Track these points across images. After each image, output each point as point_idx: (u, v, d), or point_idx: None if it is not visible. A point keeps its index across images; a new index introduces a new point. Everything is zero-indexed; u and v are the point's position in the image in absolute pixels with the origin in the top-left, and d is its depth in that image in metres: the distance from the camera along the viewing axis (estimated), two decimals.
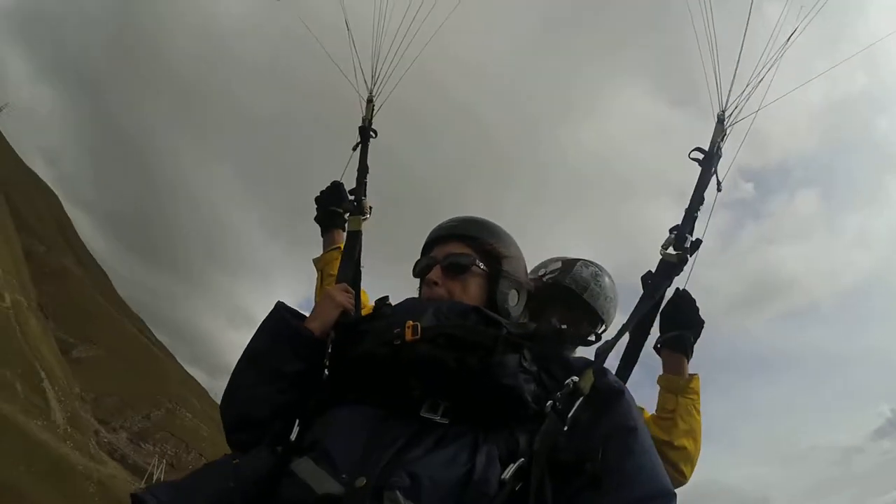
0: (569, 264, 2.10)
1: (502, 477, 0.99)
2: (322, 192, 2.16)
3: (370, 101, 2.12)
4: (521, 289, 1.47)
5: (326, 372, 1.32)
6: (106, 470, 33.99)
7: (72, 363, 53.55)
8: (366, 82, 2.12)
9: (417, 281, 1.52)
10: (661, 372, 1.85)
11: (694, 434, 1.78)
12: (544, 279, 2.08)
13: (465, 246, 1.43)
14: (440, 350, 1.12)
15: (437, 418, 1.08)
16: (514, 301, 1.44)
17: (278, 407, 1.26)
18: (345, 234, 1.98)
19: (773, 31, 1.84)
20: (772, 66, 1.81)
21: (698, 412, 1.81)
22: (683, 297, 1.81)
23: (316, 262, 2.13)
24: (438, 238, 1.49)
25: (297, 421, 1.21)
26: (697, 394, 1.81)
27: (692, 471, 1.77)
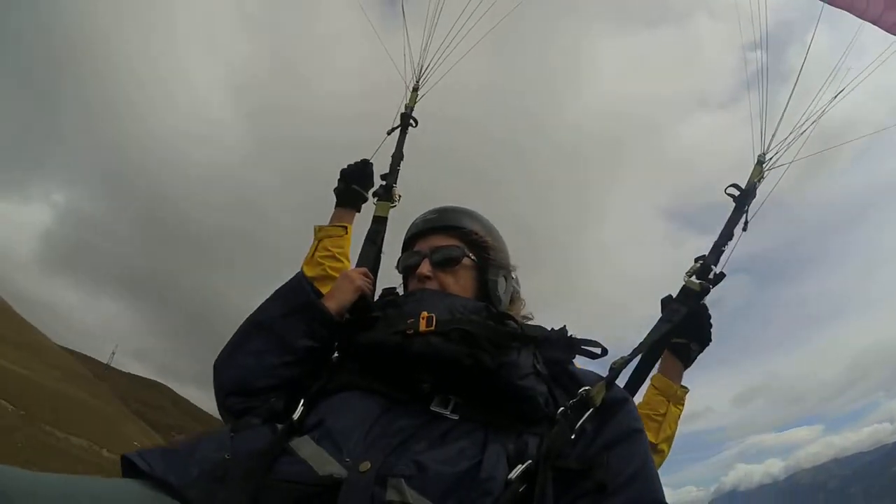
0: None
1: (509, 477, 0.99)
2: (350, 167, 2.08)
3: (416, 89, 2.26)
4: (508, 275, 1.50)
5: (336, 355, 1.33)
6: None
7: None
8: (414, 69, 2.28)
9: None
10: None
11: (671, 441, 1.87)
12: None
13: (451, 237, 1.44)
14: (454, 345, 1.12)
15: (447, 413, 1.08)
16: (502, 288, 1.46)
17: (281, 380, 1.25)
18: (356, 215, 2.03)
19: (819, 90, 2.12)
20: (815, 121, 2.06)
21: (677, 423, 1.89)
22: (701, 311, 1.86)
23: (317, 230, 2.00)
24: (421, 232, 1.49)
25: (302, 401, 1.16)
26: (683, 406, 1.90)
27: None
